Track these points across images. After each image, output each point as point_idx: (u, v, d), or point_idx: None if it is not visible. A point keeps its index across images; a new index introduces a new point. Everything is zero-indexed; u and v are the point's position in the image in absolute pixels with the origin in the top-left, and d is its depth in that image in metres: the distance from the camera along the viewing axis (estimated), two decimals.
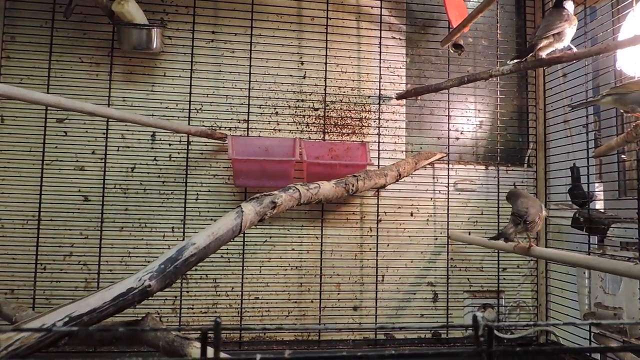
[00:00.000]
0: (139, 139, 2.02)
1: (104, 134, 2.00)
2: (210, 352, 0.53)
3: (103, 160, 2.00)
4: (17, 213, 1.93)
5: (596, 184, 2.01)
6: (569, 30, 1.58)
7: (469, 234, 2.16)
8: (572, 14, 1.62)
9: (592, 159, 1.84)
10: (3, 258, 1.91)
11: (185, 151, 2.04)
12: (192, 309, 2.01)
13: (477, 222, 2.20)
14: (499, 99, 2.24)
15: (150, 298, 1.93)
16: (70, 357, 1.69)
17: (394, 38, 2.23)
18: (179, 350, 1.06)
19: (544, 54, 1.63)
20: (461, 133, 2.26)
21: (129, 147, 2.02)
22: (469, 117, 2.27)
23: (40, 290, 1.92)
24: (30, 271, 1.92)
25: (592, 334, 1.75)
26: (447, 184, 2.19)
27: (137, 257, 1.98)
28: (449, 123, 2.23)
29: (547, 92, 2.21)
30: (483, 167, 2.24)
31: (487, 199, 2.21)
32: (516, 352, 0.56)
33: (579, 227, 1.85)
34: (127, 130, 2.01)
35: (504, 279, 2.19)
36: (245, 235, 2.04)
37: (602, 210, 1.96)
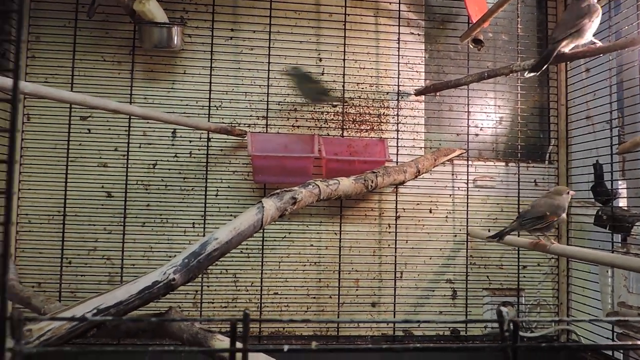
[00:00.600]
0: (160, 136, 2.05)
1: (126, 131, 2.04)
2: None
3: (125, 157, 2.03)
4: (43, 209, 1.97)
5: (620, 181, 1.98)
6: (590, 25, 1.53)
7: (489, 232, 2.14)
8: (595, 4, 1.57)
9: (615, 156, 1.82)
10: (30, 252, 1.96)
11: (206, 148, 2.07)
12: (213, 303, 2.04)
13: (497, 219, 2.18)
14: (519, 94, 2.22)
15: (172, 292, 1.97)
16: (99, 348, 1.73)
17: (413, 34, 2.22)
18: (203, 342, 1.08)
19: (566, 50, 1.60)
20: (481, 129, 2.24)
21: (150, 144, 2.05)
22: (488, 113, 2.25)
23: (66, 283, 1.97)
24: (56, 265, 1.96)
25: (615, 333, 1.73)
26: (466, 181, 2.18)
27: (159, 252, 2.01)
28: (468, 119, 2.21)
29: (569, 87, 2.18)
30: (503, 163, 2.22)
31: (507, 196, 2.19)
32: (541, 348, 0.56)
33: (602, 225, 1.82)
34: (149, 128, 2.04)
35: (524, 276, 2.17)
36: (265, 231, 2.06)
37: (626, 208, 1.93)
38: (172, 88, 2.08)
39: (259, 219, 1.27)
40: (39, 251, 1.96)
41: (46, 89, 1.31)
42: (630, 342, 1.48)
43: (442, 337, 2.13)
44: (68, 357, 1.81)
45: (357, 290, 2.11)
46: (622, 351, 1.74)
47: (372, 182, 1.72)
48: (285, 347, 0.54)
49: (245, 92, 2.11)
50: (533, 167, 2.22)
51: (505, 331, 0.57)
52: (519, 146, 2.20)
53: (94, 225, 2.00)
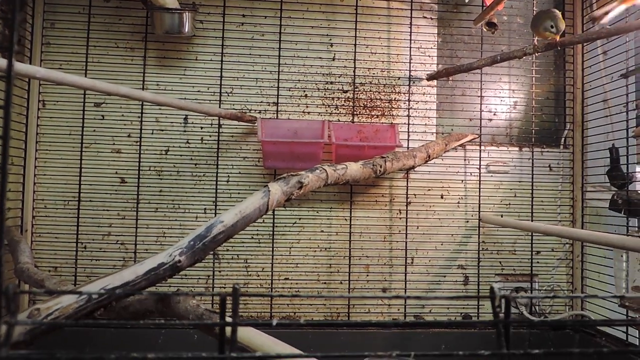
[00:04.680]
0: (172, 122, 2.07)
1: (138, 117, 2.06)
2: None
3: (138, 143, 2.06)
4: (58, 194, 2.02)
5: (636, 166, 1.93)
6: None
7: (502, 217, 2.12)
8: None
9: (631, 140, 1.77)
10: (47, 237, 2.00)
11: (217, 134, 2.08)
12: (225, 288, 2.06)
13: (510, 204, 2.15)
14: (534, 78, 2.18)
15: (184, 277, 2.01)
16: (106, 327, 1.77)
17: (425, 18, 2.19)
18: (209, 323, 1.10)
19: None
20: (494, 114, 2.21)
21: (162, 130, 2.07)
22: (502, 97, 2.21)
23: (81, 267, 2.01)
24: (72, 250, 2.01)
25: (629, 318, 1.70)
26: (478, 166, 2.15)
27: (171, 237, 2.04)
28: (481, 104, 2.18)
29: (586, 70, 2.13)
30: (517, 148, 2.19)
31: (520, 181, 2.16)
32: (534, 323, 0.56)
33: (617, 210, 1.79)
34: (161, 114, 2.06)
35: (538, 262, 2.15)
36: (275, 216, 2.07)
37: None
38: (184, 74, 2.09)
39: (265, 203, 1.27)
40: (55, 236, 2.00)
41: (57, 73, 1.32)
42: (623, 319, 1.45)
43: (454, 322, 2.12)
44: (83, 336, 1.86)
45: (367, 275, 2.11)
46: (638, 335, 1.71)
47: (380, 167, 1.71)
48: (274, 321, 0.54)
49: (256, 78, 2.11)
50: (548, 151, 2.18)
51: (497, 307, 0.56)
52: (533, 131, 2.16)
53: (108, 210, 2.03)
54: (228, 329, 0.54)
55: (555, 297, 0.46)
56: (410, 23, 2.16)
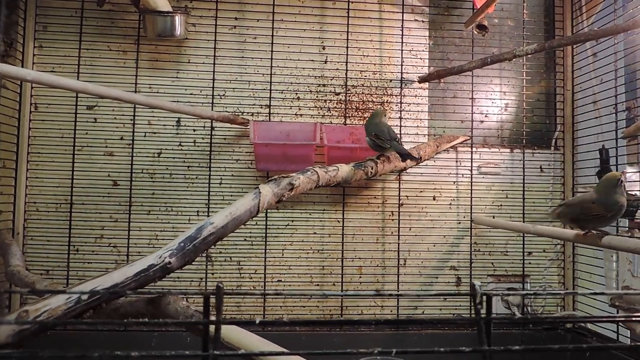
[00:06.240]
0: (165, 125, 2.07)
1: (131, 120, 2.06)
2: None
3: (131, 146, 2.06)
4: (50, 197, 2.01)
5: (626, 166, 1.95)
6: None
7: (493, 218, 2.13)
8: None
9: (621, 141, 1.79)
10: (39, 240, 2.00)
11: (209, 136, 2.08)
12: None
13: (501, 205, 2.17)
14: (525, 80, 2.19)
15: (177, 280, 2.01)
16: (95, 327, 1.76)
17: (417, 20, 2.20)
18: (198, 324, 1.10)
19: None
20: (486, 116, 2.22)
21: (155, 133, 2.07)
22: (494, 99, 2.23)
23: (74, 270, 2.00)
24: (64, 252, 2.00)
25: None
26: (470, 168, 2.16)
27: (164, 239, 2.04)
28: (472, 106, 2.19)
29: (576, 72, 2.15)
30: (508, 150, 2.20)
31: (512, 183, 2.18)
32: (515, 321, 0.56)
33: None
34: (153, 117, 2.07)
35: (530, 263, 2.16)
36: (268, 218, 2.08)
37: (632, 193, 1.90)
38: (176, 77, 2.09)
39: (255, 204, 1.28)
40: (46, 239, 2.00)
41: (47, 76, 1.33)
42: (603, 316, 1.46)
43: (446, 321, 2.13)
44: (74, 339, 1.85)
45: (360, 277, 2.11)
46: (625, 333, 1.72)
47: (372, 168, 1.71)
48: (257, 320, 0.55)
49: (249, 81, 2.12)
50: (539, 153, 2.20)
51: (478, 304, 0.57)
52: (525, 132, 2.18)
53: (101, 213, 2.03)
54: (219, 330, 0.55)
55: (536, 294, 0.47)
56: (402, 26, 2.17)
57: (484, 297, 0.56)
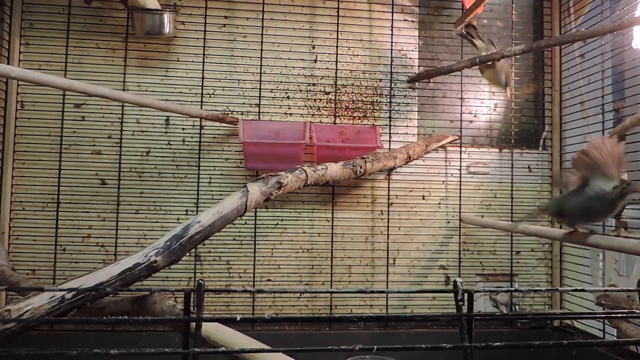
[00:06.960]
0: (154, 124, 2.06)
1: (119, 118, 2.05)
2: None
3: (119, 145, 2.04)
4: (37, 196, 1.99)
5: None
6: None
7: (482, 217, 2.14)
8: None
9: None
10: (25, 239, 1.98)
11: (198, 135, 2.07)
12: (206, 290, 2.04)
13: (490, 205, 2.18)
14: (513, 80, 2.20)
15: (165, 279, 1.99)
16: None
17: (406, 20, 2.21)
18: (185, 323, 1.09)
19: None
20: (475, 116, 2.23)
21: (143, 131, 2.06)
22: (482, 99, 2.24)
23: (60, 270, 1.98)
24: (51, 252, 1.98)
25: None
26: (459, 167, 2.17)
27: (152, 238, 2.02)
28: (461, 106, 2.20)
29: (564, 73, 2.16)
30: (497, 150, 2.21)
31: (500, 182, 2.19)
32: (497, 317, 0.56)
33: None
34: (142, 115, 2.05)
35: (518, 262, 2.17)
36: (257, 218, 2.07)
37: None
38: (165, 75, 2.08)
39: (243, 203, 1.27)
40: (33, 238, 1.97)
41: (32, 73, 1.31)
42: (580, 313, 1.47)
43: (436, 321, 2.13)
44: (60, 340, 1.83)
45: (349, 276, 2.11)
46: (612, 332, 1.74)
47: (360, 167, 1.72)
48: (238, 317, 0.54)
49: (238, 80, 2.11)
50: (527, 153, 2.21)
51: (460, 301, 0.57)
52: (513, 132, 2.19)
53: (88, 212, 2.01)
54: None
55: (516, 290, 0.47)
56: (392, 26, 2.18)
57: (466, 294, 0.56)
